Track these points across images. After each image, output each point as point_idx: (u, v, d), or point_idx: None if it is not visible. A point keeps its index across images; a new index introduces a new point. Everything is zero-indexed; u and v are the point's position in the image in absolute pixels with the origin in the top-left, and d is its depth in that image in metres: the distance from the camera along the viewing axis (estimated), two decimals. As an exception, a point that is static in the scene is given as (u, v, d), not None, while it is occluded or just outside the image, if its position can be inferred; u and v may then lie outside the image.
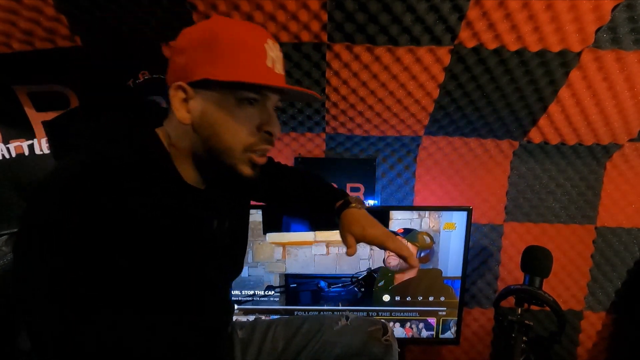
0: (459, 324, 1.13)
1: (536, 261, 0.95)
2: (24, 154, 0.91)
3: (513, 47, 0.85)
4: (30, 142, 0.91)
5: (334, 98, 1.00)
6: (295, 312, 1.10)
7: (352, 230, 0.68)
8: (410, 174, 1.19)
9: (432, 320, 1.13)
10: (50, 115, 0.92)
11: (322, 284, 1.09)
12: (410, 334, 1.14)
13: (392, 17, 0.80)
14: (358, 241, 0.68)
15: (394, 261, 1.07)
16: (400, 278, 1.09)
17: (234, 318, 0.96)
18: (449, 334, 1.14)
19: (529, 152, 1.14)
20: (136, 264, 0.49)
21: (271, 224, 1.04)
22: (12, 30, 0.80)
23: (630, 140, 1.05)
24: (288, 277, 1.08)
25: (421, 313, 1.12)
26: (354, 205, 0.71)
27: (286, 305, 1.10)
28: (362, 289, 1.09)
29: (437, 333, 1.14)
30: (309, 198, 0.77)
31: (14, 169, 0.90)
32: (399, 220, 1.05)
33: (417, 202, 1.21)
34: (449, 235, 1.06)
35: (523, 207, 1.19)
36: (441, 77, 0.93)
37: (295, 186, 0.79)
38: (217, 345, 0.69)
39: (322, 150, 1.17)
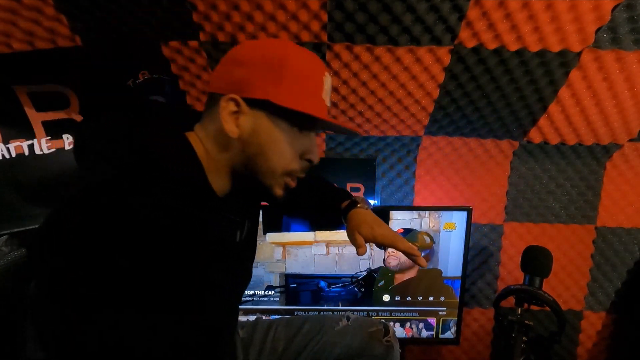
0: (459, 324, 1.13)
1: (536, 261, 0.95)
2: (24, 154, 0.91)
3: (513, 47, 0.85)
4: (30, 142, 0.91)
5: (334, 98, 1.00)
6: (296, 312, 1.10)
7: (361, 230, 0.68)
8: (410, 174, 1.19)
9: (432, 320, 1.13)
10: (50, 116, 0.92)
11: (322, 284, 1.09)
12: (410, 334, 1.14)
13: (392, 17, 0.80)
14: (367, 241, 0.68)
15: (394, 261, 1.07)
16: (400, 278, 1.09)
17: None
18: (449, 334, 1.14)
19: (529, 152, 1.14)
20: (164, 274, 0.48)
21: (271, 224, 1.04)
22: (12, 30, 0.80)
23: (630, 140, 1.05)
24: (288, 277, 1.08)
25: (421, 313, 1.12)
26: (360, 205, 0.72)
27: (286, 305, 1.10)
28: (362, 289, 1.09)
29: (437, 333, 1.14)
30: (315, 199, 0.78)
31: (14, 169, 0.91)
32: (399, 220, 1.05)
33: (417, 202, 1.21)
34: (449, 235, 1.06)
35: (523, 207, 1.19)
36: (441, 77, 0.93)
37: (302, 188, 0.79)
38: (219, 345, 0.69)
39: (322, 150, 1.17)
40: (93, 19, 0.82)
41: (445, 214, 1.05)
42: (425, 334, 1.14)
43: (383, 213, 1.05)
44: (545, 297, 0.90)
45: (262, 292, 1.08)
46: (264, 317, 1.08)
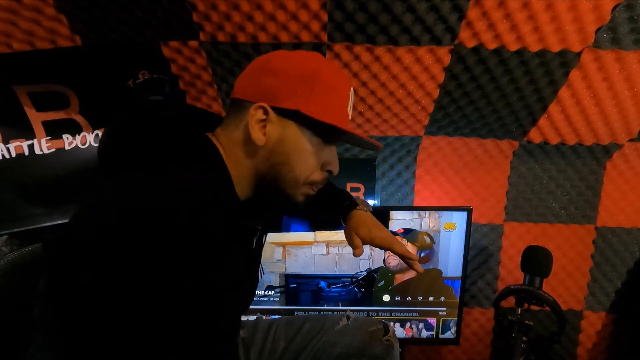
0: (459, 324, 1.13)
1: (536, 261, 0.95)
2: (24, 154, 0.91)
3: (513, 47, 0.85)
4: (30, 142, 0.91)
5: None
6: (296, 312, 1.10)
7: (359, 231, 0.69)
8: (410, 174, 1.19)
9: (432, 320, 1.13)
10: (50, 116, 0.92)
11: (322, 284, 1.09)
12: (410, 334, 1.14)
13: (392, 17, 0.80)
14: (364, 243, 0.69)
15: (394, 261, 1.07)
16: (400, 278, 1.09)
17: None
18: (449, 334, 1.14)
19: (529, 152, 1.14)
20: (192, 281, 0.44)
21: (271, 224, 1.04)
22: (12, 30, 0.80)
23: (630, 140, 1.05)
24: (288, 277, 1.08)
25: (421, 313, 1.12)
26: (360, 207, 0.73)
27: (286, 305, 1.10)
28: (362, 289, 1.09)
29: (437, 333, 1.14)
30: (315, 199, 0.78)
31: (14, 169, 0.90)
32: (399, 220, 1.05)
33: (417, 202, 1.21)
34: (449, 235, 1.06)
35: (523, 207, 1.19)
36: (441, 77, 0.93)
37: None
38: (231, 349, 0.69)
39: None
40: (93, 19, 0.82)
41: (445, 214, 1.05)
42: (425, 334, 1.14)
43: (383, 213, 1.05)
44: (545, 297, 0.90)
45: (262, 292, 1.08)
46: (264, 317, 1.08)
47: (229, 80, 0.97)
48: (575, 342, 1.27)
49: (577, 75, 0.90)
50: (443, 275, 1.09)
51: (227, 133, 0.56)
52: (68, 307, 0.41)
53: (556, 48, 0.84)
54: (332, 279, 1.08)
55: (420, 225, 1.06)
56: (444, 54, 0.88)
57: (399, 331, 1.13)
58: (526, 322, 0.90)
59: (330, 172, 0.60)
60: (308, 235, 1.05)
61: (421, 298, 1.11)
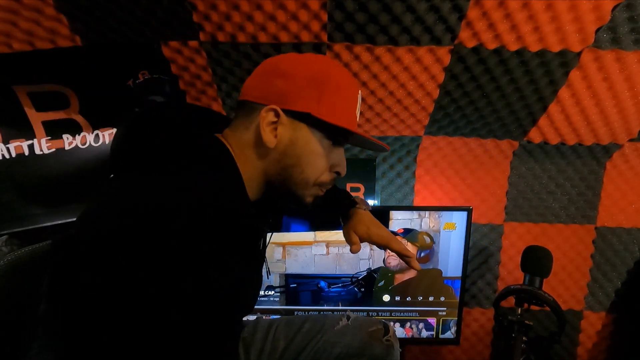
0: (459, 324, 1.13)
1: (536, 261, 0.95)
2: (24, 154, 0.91)
3: (513, 47, 0.85)
4: (30, 142, 0.91)
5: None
6: (296, 312, 1.10)
7: (357, 229, 0.70)
8: (410, 174, 1.19)
9: (432, 320, 1.13)
10: (50, 116, 0.92)
11: (322, 284, 1.09)
12: (410, 334, 1.14)
13: (392, 17, 0.80)
14: (362, 240, 0.70)
15: (394, 261, 1.07)
16: (400, 278, 1.09)
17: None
18: (449, 334, 1.14)
19: (528, 152, 1.14)
20: (206, 282, 0.45)
21: (271, 224, 1.04)
22: (12, 30, 0.80)
23: (630, 140, 1.06)
24: (288, 277, 1.08)
25: (421, 313, 1.12)
26: (359, 206, 0.74)
27: (286, 305, 1.10)
28: (362, 289, 1.09)
29: (437, 333, 1.14)
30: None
31: (14, 169, 0.90)
32: (399, 220, 1.05)
33: (417, 202, 1.21)
34: (449, 235, 1.06)
35: (523, 207, 1.19)
36: (441, 77, 0.93)
37: None
38: (233, 350, 0.69)
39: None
40: (93, 19, 0.82)
41: (445, 214, 1.05)
42: (425, 334, 1.14)
43: (383, 213, 1.05)
44: (545, 297, 0.90)
45: (262, 292, 1.08)
46: (264, 317, 1.08)
47: (229, 80, 0.97)
48: (575, 342, 1.27)
49: (577, 75, 0.90)
50: (443, 275, 1.09)
51: (236, 134, 0.56)
52: (68, 307, 0.41)
53: (556, 48, 0.84)
54: (332, 279, 1.08)
55: (420, 225, 1.06)
56: (444, 54, 0.88)
57: (399, 331, 1.13)
58: (526, 322, 0.90)
59: (338, 173, 0.61)
60: (308, 235, 1.05)
61: (421, 298, 1.11)
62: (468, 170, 1.18)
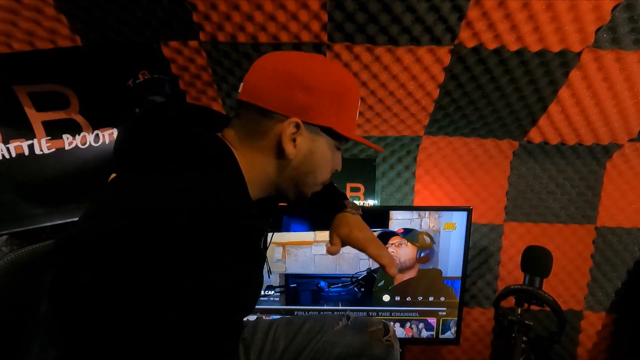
0: (459, 324, 1.13)
1: (536, 261, 0.95)
2: (24, 154, 0.91)
3: (513, 47, 0.85)
4: (30, 142, 0.91)
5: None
6: (296, 312, 1.10)
7: (339, 231, 0.72)
8: (410, 174, 1.19)
9: (432, 320, 1.13)
10: (50, 116, 0.92)
11: (322, 283, 1.09)
12: (410, 334, 1.14)
13: (392, 17, 0.80)
14: (343, 243, 0.71)
15: (394, 261, 1.07)
16: (400, 278, 1.09)
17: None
18: (449, 334, 1.14)
19: (528, 152, 1.14)
20: (207, 284, 0.44)
21: (271, 224, 1.04)
22: (12, 30, 0.80)
23: (630, 140, 1.06)
24: (288, 277, 1.08)
25: (421, 313, 1.12)
26: (348, 210, 0.75)
27: (286, 305, 1.10)
28: (362, 289, 1.09)
29: (437, 333, 1.14)
30: (312, 200, 0.79)
31: (14, 169, 0.90)
32: (399, 220, 1.05)
33: (417, 202, 1.21)
34: (449, 235, 1.06)
35: (523, 207, 1.19)
36: (441, 77, 0.93)
37: None
38: (233, 349, 0.69)
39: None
40: (93, 19, 0.82)
41: (445, 214, 1.05)
42: (425, 334, 1.14)
43: (383, 213, 1.05)
44: (545, 297, 0.90)
45: (262, 292, 1.08)
46: (264, 317, 1.08)
47: (229, 80, 0.97)
48: (575, 342, 1.27)
49: (577, 75, 0.90)
50: (443, 275, 1.09)
51: (241, 137, 0.56)
52: (69, 307, 0.41)
53: (556, 48, 0.84)
54: (332, 279, 1.08)
55: (420, 225, 1.06)
56: (444, 54, 0.88)
57: (399, 331, 1.13)
58: (526, 322, 0.90)
59: (336, 171, 0.64)
60: (308, 235, 1.05)
61: (421, 298, 1.11)
62: (468, 170, 1.18)
